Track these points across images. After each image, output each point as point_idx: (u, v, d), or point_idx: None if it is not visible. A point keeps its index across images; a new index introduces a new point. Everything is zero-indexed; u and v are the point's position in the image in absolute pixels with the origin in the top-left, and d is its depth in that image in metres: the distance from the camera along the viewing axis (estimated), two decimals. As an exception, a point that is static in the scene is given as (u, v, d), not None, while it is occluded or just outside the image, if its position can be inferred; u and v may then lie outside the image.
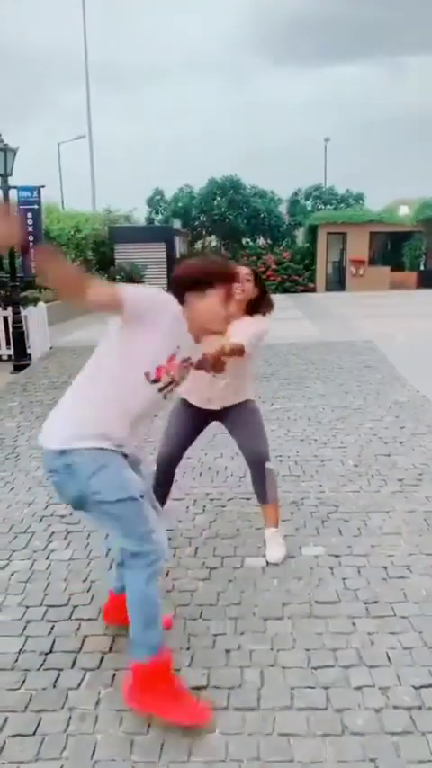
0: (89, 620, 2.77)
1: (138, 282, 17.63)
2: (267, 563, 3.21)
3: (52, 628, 2.73)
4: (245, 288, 3.04)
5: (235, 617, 2.77)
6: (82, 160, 46.61)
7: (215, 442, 5.02)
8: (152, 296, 2.05)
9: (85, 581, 3.11)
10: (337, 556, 3.28)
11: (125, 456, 2.19)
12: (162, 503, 3.17)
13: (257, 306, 3.14)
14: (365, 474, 4.44)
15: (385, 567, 3.15)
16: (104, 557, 3.31)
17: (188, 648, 2.55)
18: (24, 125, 71.27)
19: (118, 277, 17.58)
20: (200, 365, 2.41)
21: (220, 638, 2.61)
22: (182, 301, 2.13)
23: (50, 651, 2.57)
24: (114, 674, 2.41)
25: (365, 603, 2.84)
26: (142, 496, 2.14)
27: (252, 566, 3.20)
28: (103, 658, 2.51)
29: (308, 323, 13.26)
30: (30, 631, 2.70)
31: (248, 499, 3.99)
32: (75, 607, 2.87)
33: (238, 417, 3.23)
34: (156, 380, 2.12)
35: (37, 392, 7.32)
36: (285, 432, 5.49)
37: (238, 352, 2.68)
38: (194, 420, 3.27)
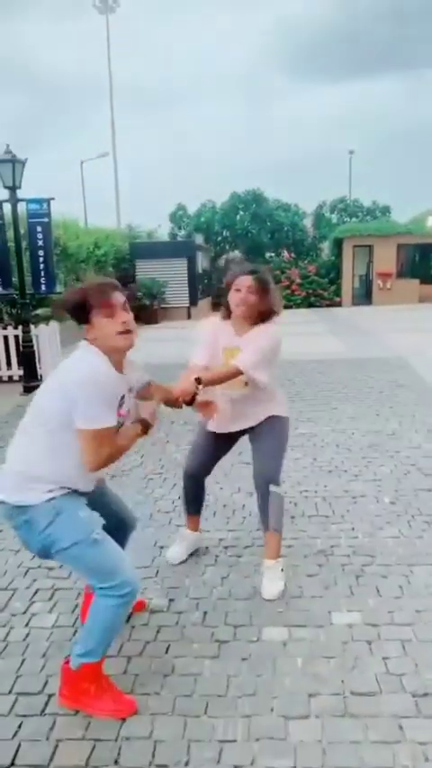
0: (65, 715, 2.22)
1: (158, 297, 17.25)
2: (289, 635, 2.63)
3: (19, 726, 2.18)
4: (247, 299, 2.91)
5: (248, 715, 2.19)
6: (107, 179, 46.77)
7: (232, 475, 4.47)
8: (110, 391, 2.13)
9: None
10: (375, 625, 2.68)
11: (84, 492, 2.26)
12: (201, 507, 3.37)
13: (267, 314, 2.99)
14: (405, 514, 3.83)
15: (436, 643, 2.54)
16: None
17: (186, 764, 1.98)
18: (53, 147, 72.28)
19: (139, 293, 17.21)
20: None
21: (228, 748, 2.04)
22: (86, 321, 2.15)
23: (12, 764, 2.01)
24: (89, 804, 1.85)
25: (414, 696, 2.24)
26: (116, 527, 2.35)
27: (271, 638, 2.62)
28: (76, 778, 1.95)
29: (334, 339, 12.66)
30: (-10, 732, 2.16)
31: (268, 547, 3.42)
32: (50, 696, 2.32)
33: (258, 434, 3.09)
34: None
35: (44, 416, 6.84)
36: (311, 461, 4.90)
37: (234, 375, 2.82)
38: (222, 435, 3.15)
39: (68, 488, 2.17)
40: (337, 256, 23.54)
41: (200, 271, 19.61)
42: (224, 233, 24.64)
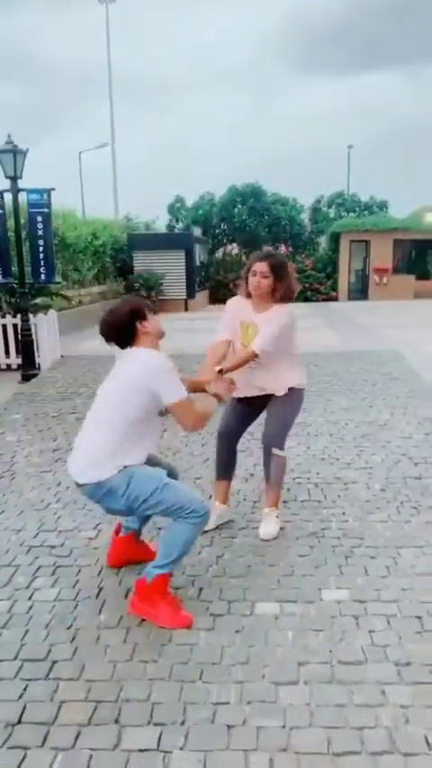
0: (69, 680, 2.35)
1: (155, 289, 17.31)
2: (281, 610, 2.76)
3: (25, 689, 2.31)
4: (261, 285, 3.32)
5: (241, 680, 2.32)
6: (106, 171, 46.68)
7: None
8: (175, 371, 2.72)
9: (69, 628, 2.68)
10: (362, 602, 2.81)
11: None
12: (230, 475, 3.69)
13: (282, 295, 3.38)
14: (394, 500, 3.97)
15: (419, 618, 2.68)
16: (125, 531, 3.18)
17: (183, 723, 2.11)
18: (53, 137, 71.93)
19: (136, 285, 17.28)
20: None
21: (222, 710, 2.17)
22: (133, 335, 2.76)
23: (18, 722, 2.14)
24: (91, 757, 1.98)
25: (397, 665, 2.38)
26: (169, 475, 2.78)
27: (263, 612, 2.76)
28: (79, 734, 2.08)
29: (330, 332, 12.77)
30: (-3, 694, 2.28)
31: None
32: (54, 663, 2.45)
33: (275, 403, 3.51)
34: (165, 412, 2.81)
35: (43, 403, 6.95)
36: (305, 449, 5.03)
37: (250, 359, 3.30)
38: (248, 402, 3.56)
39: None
40: (333, 251, 23.64)
41: (198, 263, 19.67)
42: (222, 226, 24.70)
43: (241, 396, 3.49)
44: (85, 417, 2.83)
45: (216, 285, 22.35)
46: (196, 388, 3.05)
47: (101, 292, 16.28)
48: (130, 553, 3.16)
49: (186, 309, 18.48)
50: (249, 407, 3.59)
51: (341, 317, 16.05)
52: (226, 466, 3.67)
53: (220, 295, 21.94)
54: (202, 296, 20.57)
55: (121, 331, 2.74)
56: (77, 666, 2.42)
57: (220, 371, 3.19)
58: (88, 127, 73.25)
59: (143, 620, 2.70)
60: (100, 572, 3.15)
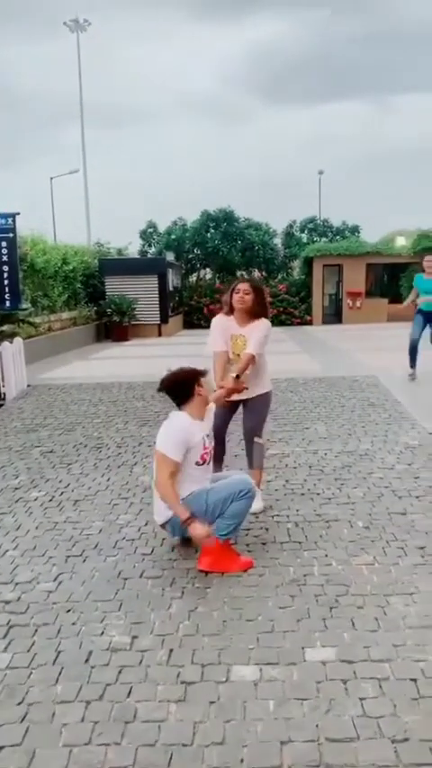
0: (15, 772, 2.02)
1: (128, 315, 17.05)
2: (261, 675, 2.47)
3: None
4: (244, 300, 4.11)
5: (216, 767, 2.01)
6: (78, 197, 46.55)
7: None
8: (182, 436, 3.35)
9: (20, 704, 2.35)
10: (350, 662, 2.53)
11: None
12: (221, 460, 4.38)
13: (259, 311, 4.19)
14: (379, 539, 3.71)
15: (414, 681, 2.40)
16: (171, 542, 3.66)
17: None
18: (25, 166, 71.86)
19: (109, 311, 17.01)
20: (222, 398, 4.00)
21: (195, 808, 1.86)
22: (190, 394, 3.48)
23: None
24: None
25: (393, 743, 2.09)
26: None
27: (241, 678, 2.46)
28: None
29: (306, 357, 12.61)
30: None
31: (238, 577, 3.26)
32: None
33: (252, 404, 4.31)
34: (202, 463, 3.46)
35: (6, 436, 6.59)
36: (283, 483, 4.76)
37: (251, 361, 4.07)
38: (230, 406, 4.30)
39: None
40: (307, 275, 23.65)
41: (171, 288, 19.47)
42: (195, 251, 24.53)
43: (236, 398, 4.20)
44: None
45: (190, 310, 22.18)
46: (220, 400, 3.95)
47: (71, 318, 15.96)
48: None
49: (160, 334, 18.23)
50: (229, 409, 4.31)
51: (317, 342, 15.93)
52: (219, 455, 4.27)
53: (194, 320, 21.78)
54: (175, 321, 20.35)
55: (180, 390, 3.48)
56: (27, 754, 2.09)
57: (237, 377, 4.02)
58: (61, 153, 73.25)
59: (102, 693, 2.38)
60: (59, 632, 2.83)
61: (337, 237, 26.88)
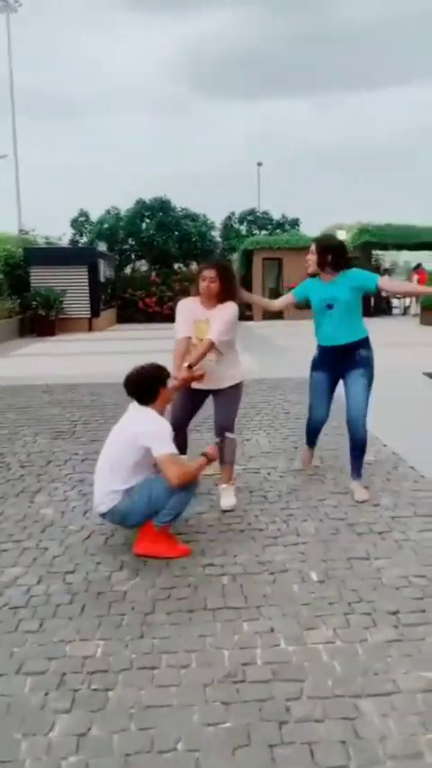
0: None
1: (55, 308, 15.85)
2: None
3: None
4: (210, 288, 3.90)
5: None
6: (8, 185, 44.35)
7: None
8: (167, 428, 3.43)
9: None
10: None
11: None
12: (183, 452, 4.00)
13: (226, 296, 3.96)
14: (339, 599, 2.88)
15: None
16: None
17: None
18: None
19: (34, 303, 15.73)
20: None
21: None
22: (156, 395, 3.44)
23: None
24: None
25: None
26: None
27: None
28: None
29: (248, 356, 11.77)
30: None
31: (152, 669, 2.36)
32: None
33: (222, 396, 4.10)
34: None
35: None
36: (218, 516, 3.89)
37: (209, 348, 3.82)
38: (195, 396, 4.12)
39: None
40: (246, 269, 22.91)
41: (102, 280, 18.30)
42: (129, 241, 23.31)
43: (202, 387, 4.00)
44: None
45: (124, 303, 21.03)
46: (174, 390, 3.72)
47: (-8, 311, 14.64)
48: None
49: (91, 329, 17.07)
50: (192, 400, 4.13)
51: (258, 339, 15.15)
52: (181, 448, 3.94)
53: (128, 313, 20.67)
54: (108, 314, 19.20)
55: (146, 390, 3.41)
56: None
57: (189, 366, 3.75)
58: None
59: None
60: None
61: (277, 231, 26.30)
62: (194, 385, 3.93)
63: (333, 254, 4.17)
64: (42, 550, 3.47)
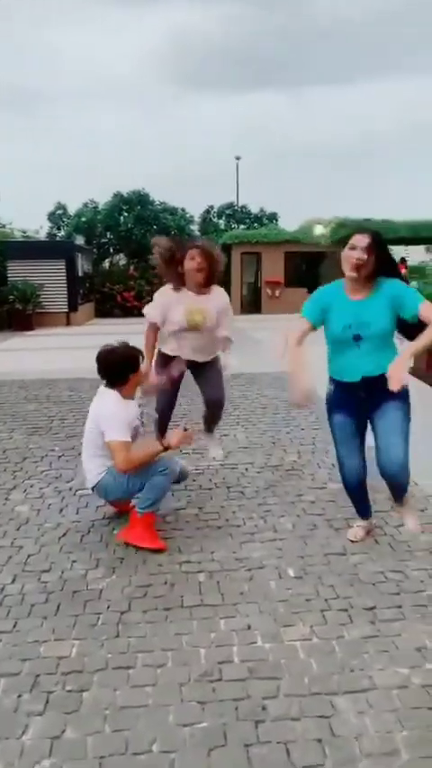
0: None
1: (33, 302, 15.68)
2: None
3: None
4: (197, 276, 3.93)
5: None
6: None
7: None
8: (123, 416, 3.37)
9: None
10: None
11: None
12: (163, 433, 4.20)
13: (213, 280, 4.06)
14: (316, 596, 2.88)
15: None
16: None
17: None
18: None
19: (11, 297, 15.55)
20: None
21: None
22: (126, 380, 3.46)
23: None
24: None
25: None
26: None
27: None
28: None
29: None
30: None
31: (127, 669, 2.33)
32: None
33: (207, 370, 4.28)
34: (131, 440, 3.42)
35: None
36: (196, 512, 3.86)
37: (227, 343, 4.34)
38: (174, 385, 4.25)
39: None
40: (225, 263, 22.88)
41: (80, 274, 18.14)
42: (108, 235, 23.16)
43: (190, 358, 4.17)
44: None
45: (102, 297, 20.86)
46: (149, 385, 3.99)
47: (-33, 305, 14.42)
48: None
49: (68, 323, 16.91)
50: (172, 391, 4.26)
51: (236, 333, 15.08)
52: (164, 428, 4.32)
53: (106, 308, 20.52)
54: (86, 309, 19.03)
55: (115, 374, 3.42)
56: None
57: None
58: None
59: None
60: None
61: (255, 225, 26.29)
62: (185, 356, 4.12)
63: (389, 257, 2.93)
64: (17, 549, 3.42)
